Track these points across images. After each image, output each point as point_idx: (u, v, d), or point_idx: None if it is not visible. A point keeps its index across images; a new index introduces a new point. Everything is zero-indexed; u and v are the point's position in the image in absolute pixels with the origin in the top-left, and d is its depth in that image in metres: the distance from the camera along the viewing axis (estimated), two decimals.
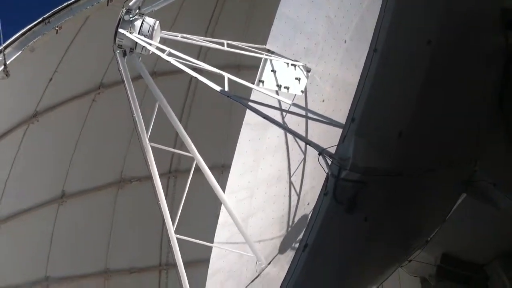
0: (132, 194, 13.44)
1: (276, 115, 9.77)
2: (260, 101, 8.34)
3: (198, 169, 9.55)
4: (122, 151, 13.22)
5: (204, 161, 9.45)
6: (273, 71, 10.46)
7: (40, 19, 10.96)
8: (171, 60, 8.35)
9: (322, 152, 6.18)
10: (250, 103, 8.20)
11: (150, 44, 8.52)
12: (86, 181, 13.00)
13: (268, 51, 10.67)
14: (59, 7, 11.06)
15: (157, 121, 9.25)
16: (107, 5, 11.24)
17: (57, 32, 11.09)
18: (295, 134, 8.10)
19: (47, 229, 12.58)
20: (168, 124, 9.20)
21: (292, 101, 9.28)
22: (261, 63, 10.42)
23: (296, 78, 10.40)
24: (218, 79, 8.18)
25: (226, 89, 7.87)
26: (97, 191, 13.13)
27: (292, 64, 10.45)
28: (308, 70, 10.40)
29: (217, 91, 7.74)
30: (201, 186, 9.82)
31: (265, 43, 10.74)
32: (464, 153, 7.43)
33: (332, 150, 6.17)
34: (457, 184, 7.72)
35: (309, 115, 8.42)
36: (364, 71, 5.91)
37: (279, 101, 9.56)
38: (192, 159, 9.43)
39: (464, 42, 6.56)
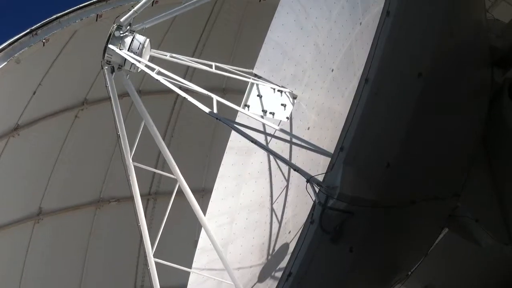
0: (110, 214, 13.24)
1: (260, 140, 9.67)
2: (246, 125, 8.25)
3: (178, 192, 9.38)
4: (102, 170, 13.07)
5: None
6: (259, 96, 10.41)
7: (28, 30, 10.85)
8: (161, 79, 8.24)
9: (310, 179, 6.12)
10: (237, 127, 8.10)
11: (139, 62, 8.41)
12: (64, 199, 12.78)
13: (255, 75, 10.63)
14: (48, 19, 10.96)
15: (139, 141, 9.11)
16: (96, 20, 11.18)
17: (44, 45, 10.98)
18: (284, 160, 8.02)
19: (21, 246, 12.31)
20: (149, 144, 9.06)
21: (278, 126, 9.22)
22: (248, 88, 10.37)
23: (282, 104, 10.34)
24: (204, 101, 8.11)
25: (215, 111, 7.79)
26: (75, 210, 12.92)
27: (278, 90, 10.40)
28: (294, 97, 10.36)
29: (206, 113, 7.66)
30: (181, 209, 9.67)
31: (252, 68, 10.72)
32: (449, 186, 7.40)
33: (320, 178, 6.12)
34: (440, 218, 7.68)
35: (295, 141, 8.35)
36: (355, 100, 5.89)
37: (264, 126, 9.49)
38: (173, 181, 9.26)
39: (455, 75, 6.58)
